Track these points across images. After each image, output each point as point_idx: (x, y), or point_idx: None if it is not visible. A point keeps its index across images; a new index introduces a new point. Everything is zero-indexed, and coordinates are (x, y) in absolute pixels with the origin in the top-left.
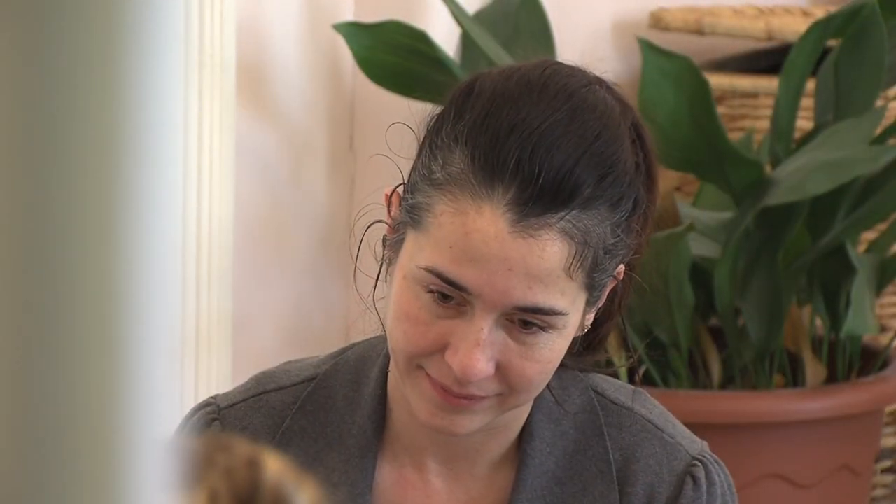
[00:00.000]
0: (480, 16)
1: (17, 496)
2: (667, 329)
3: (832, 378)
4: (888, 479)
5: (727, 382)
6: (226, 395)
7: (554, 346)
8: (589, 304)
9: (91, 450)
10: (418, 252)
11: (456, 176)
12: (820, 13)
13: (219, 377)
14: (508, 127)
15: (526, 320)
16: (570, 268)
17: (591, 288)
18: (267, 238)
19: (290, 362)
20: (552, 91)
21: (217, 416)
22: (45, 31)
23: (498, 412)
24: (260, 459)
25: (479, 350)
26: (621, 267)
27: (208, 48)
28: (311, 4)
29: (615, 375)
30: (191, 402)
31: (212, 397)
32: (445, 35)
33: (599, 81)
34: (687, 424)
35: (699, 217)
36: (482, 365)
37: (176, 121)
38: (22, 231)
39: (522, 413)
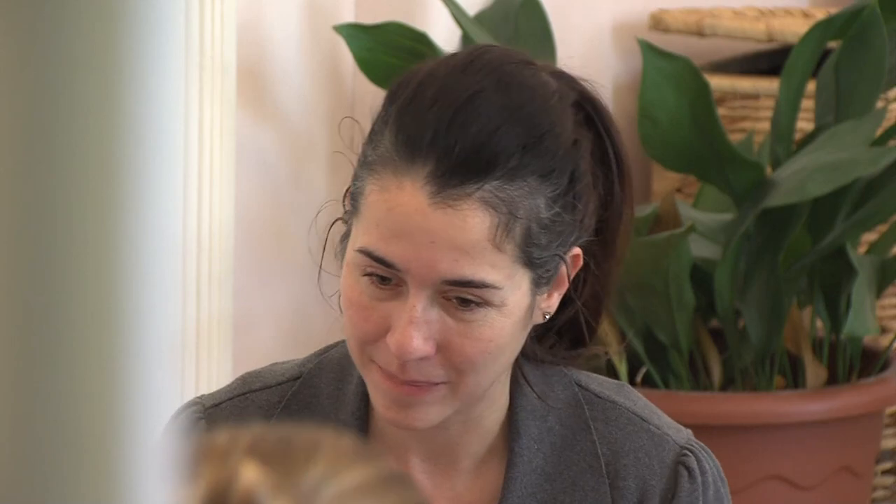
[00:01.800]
0: (481, 17)
1: (17, 496)
2: (667, 330)
3: (833, 379)
4: (889, 480)
5: (728, 384)
6: (212, 394)
7: (494, 325)
8: (537, 284)
9: (91, 451)
10: (356, 237)
11: (382, 155)
12: (820, 15)
13: (219, 378)
14: (430, 103)
15: (462, 297)
16: (495, 238)
17: (532, 265)
18: (267, 239)
19: (276, 363)
20: (477, 66)
21: (203, 416)
22: (45, 32)
23: (453, 402)
24: (237, 468)
25: (413, 328)
26: (577, 250)
27: (209, 50)
28: (311, 6)
29: (601, 370)
30: None
31: (198, 397)
32: (446, 36)
33: (539, 65)
34: (687, 426)
35: (700, 218)
36: (417, 343)
37: (177, 122)
38: (22, 232)
39: (497, 405)
